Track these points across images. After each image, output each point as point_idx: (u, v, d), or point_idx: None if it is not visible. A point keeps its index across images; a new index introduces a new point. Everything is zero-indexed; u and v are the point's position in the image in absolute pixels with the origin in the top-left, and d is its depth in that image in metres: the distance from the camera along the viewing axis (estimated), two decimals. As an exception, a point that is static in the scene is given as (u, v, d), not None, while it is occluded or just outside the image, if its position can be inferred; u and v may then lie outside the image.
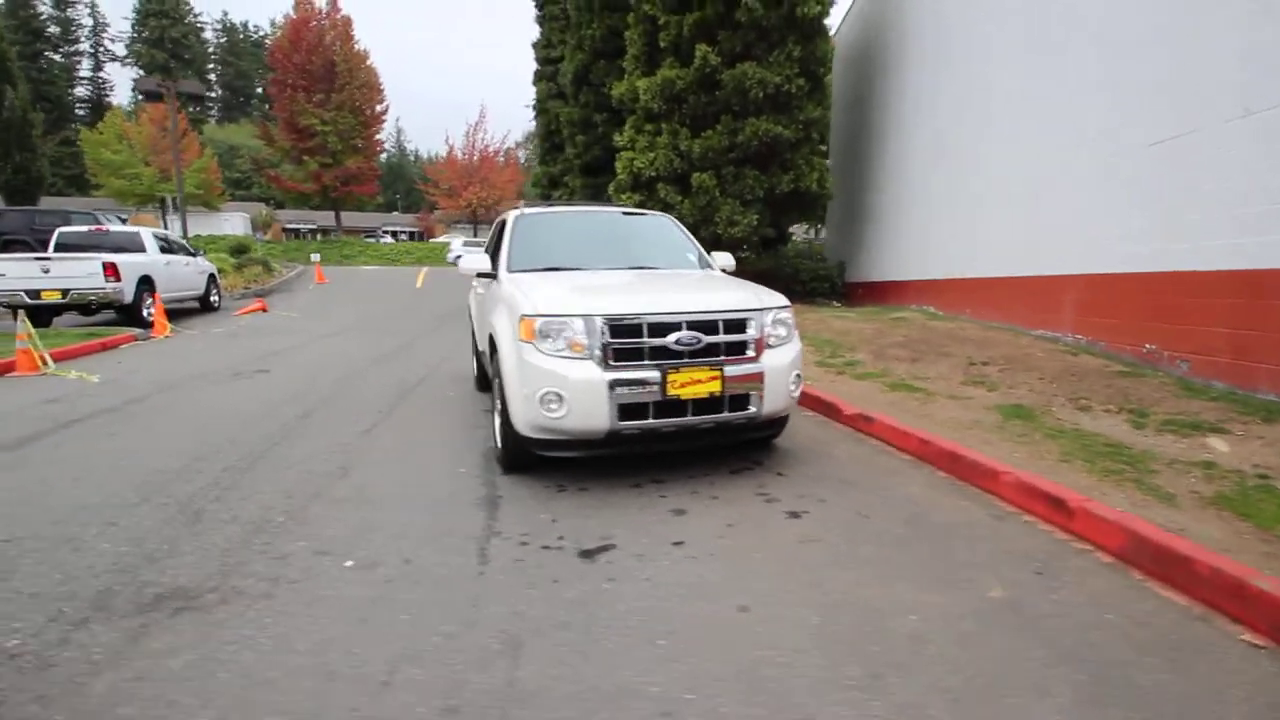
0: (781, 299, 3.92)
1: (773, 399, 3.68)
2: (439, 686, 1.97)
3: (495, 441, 4.17)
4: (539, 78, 20.83)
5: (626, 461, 3.97)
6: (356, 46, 37.56)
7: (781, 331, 3.82)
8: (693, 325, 3.51)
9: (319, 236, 44.74)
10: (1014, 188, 7.83)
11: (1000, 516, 3.24)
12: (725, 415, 3.58)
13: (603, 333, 3.41)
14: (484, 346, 5.89)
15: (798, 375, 3.86)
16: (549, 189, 20.47)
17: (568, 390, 3.34)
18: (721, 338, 3.57)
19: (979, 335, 7.67)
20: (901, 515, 3.27)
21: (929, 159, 10.30)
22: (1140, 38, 5.89)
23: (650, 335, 3.46)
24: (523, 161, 54.45)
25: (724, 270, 4.98)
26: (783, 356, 3.75)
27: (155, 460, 4.23)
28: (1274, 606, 2.12)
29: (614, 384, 3.36)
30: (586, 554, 2.86)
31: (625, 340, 3.43)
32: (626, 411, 3.39)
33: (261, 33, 75.75)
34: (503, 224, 5.11)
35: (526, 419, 3.49)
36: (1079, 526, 2.94)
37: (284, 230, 47.88)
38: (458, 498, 3.59)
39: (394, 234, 51.93)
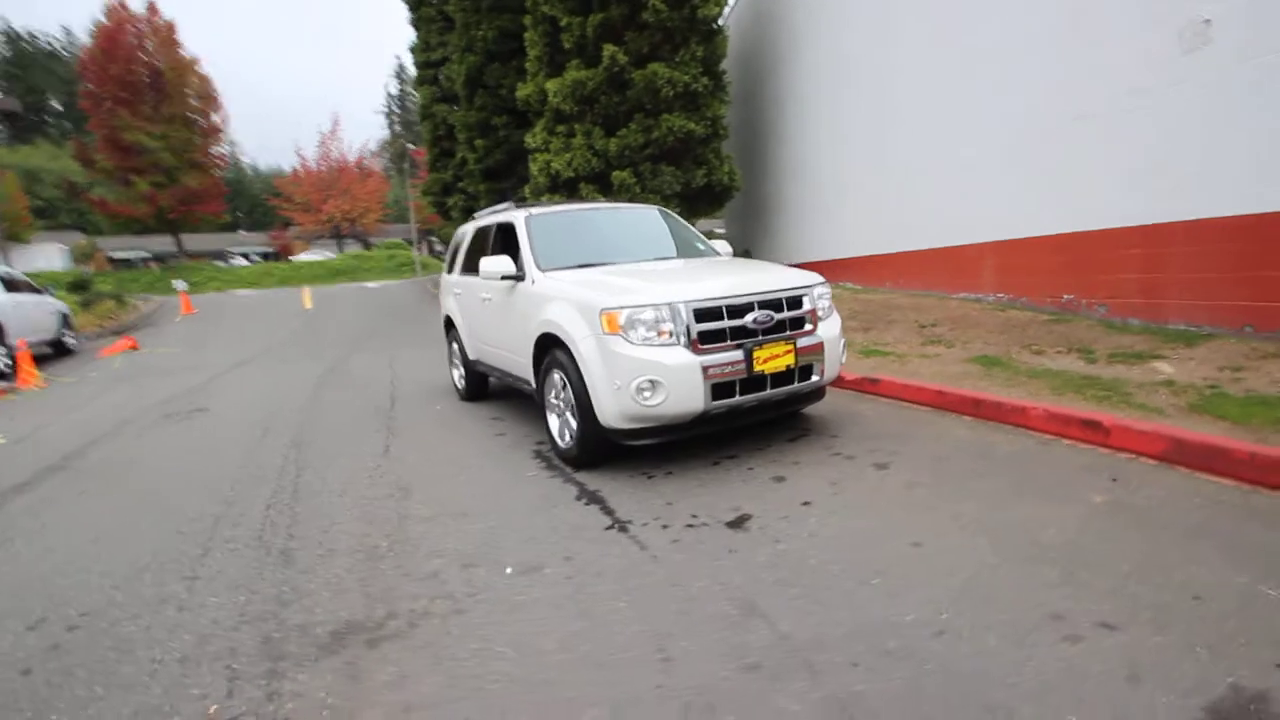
0: (820, 277, 4.23)
1: (830, 366, 3.99)
2: (719, 652, 2.05)
3: (556, 441, 4.14)
4: (421, 81, 19.93)
5: (684, 445, 4.08)
6: (182, 53, 33.87)
7: (826, 304, 4.14)
8: (763, 304, 3.73)
9: (154, 265, 39.62)
10: (929, 171, 8.76)
11: (1045, 443, 3.76)
12: (796, 386, 3.83)
13: (688, 317, 3.54)
14: (478, 355, 5.72)
15: (844, 344, 4.20)
16: (442, 196, 19.68)
17: (665, 376, 3.43)
18: (787, 314, 3.82)
19: (911, 303, 8.52)
20: (969, 454, 3.70)
21: (835, 149, 11.17)
22: (1036, 34, 6.87)
23: (729, 317, 3.63)
24: (380, 170, 51.49)
25: (726, 255, 5.24)
26: (833, 327, 4.08)
27: (175, 509, 3.78)
28: (1313, 472, 2.71)
29: (707, 366, 3.50)
30: (734, 525, 2.99)
31: (710, 323, 3.58)
32: (718, 391, 3.54)
33: (56, 42, 65.51)
34: (509, 227, 5.02)
35: (618, 410, 3.53)
36: (1117, 441, 3.50)
37: (111, 260, 41.94)
38: (552, 498, 3.56)
39: (245, 255, 47.20)
